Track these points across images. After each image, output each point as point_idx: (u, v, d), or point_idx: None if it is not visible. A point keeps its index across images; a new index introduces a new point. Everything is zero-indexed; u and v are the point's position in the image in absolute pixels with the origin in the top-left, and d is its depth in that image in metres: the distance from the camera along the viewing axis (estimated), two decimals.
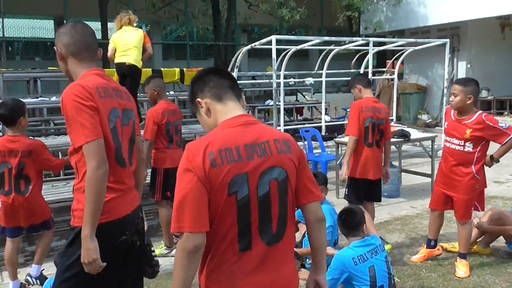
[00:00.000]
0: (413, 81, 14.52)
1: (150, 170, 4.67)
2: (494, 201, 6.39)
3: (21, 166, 3.70)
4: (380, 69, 12.43)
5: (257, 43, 7.94)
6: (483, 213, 4.60)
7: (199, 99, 1.85)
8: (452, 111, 4.12)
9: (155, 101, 4.73)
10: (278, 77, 7.99)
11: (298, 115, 12.97)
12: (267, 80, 10.80)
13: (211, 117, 1.84)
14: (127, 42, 6.22)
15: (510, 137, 3.88)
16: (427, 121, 13.74)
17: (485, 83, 13.90)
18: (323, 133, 9.48)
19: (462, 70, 14.00)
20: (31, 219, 3.84)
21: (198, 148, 1.70)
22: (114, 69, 6.59)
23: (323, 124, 9.32)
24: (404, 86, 14.06)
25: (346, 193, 4.65)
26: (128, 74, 6.29)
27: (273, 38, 6.97)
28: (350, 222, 3.32)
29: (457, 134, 4.03)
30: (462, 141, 4.00)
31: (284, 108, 11.70)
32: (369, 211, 4.44)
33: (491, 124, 3.90)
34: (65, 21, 21.54)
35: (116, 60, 6.25)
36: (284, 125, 8.92)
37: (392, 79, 10.65)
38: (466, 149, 3.99)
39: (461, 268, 4.09)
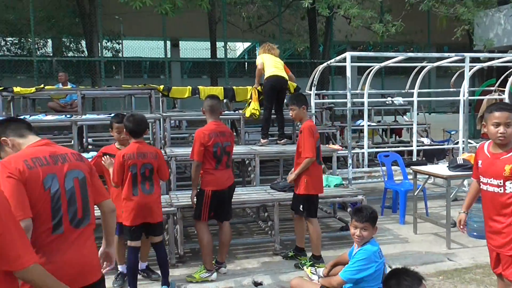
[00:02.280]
0: None
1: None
2: None
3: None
4: (489, 88, 10.99)
5: (332, 60, 7.46)
6: None
7: (4, 138, 2.33)
8: (487, 144, 3.26)
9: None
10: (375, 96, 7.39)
11: (397, 136, 12.04)
12: (361, 100, 10.19)
13: (16, 150, 2.32)
14: (278, 62, 6.63)
15: None
16: None
17: None
18: (418, 158, 8.58)
19: None
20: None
21: (11, 160, 2.20)
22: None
23: (414, 148, 8.41)
24: None
25: (304, 209, 4.79)
26: (283, 88, 6.62)
27: (348, 54, 6.48)
28: None
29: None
30: (502, 181, 3.06)
31: (382, 129, 11.02)
32: None
33: None
34: (179, 42, 23.20)
35: (273, 73, 6.47)
36: (369, 147, 8.23)
37: (501, 99, 9.31)
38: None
39: None
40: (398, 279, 2.59)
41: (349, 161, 7.01)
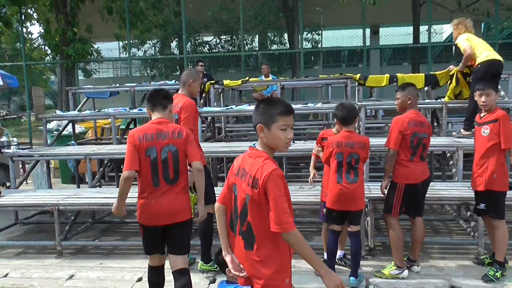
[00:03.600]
0: None
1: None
2: None
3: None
4: None
5: None
6: None
7: (148, 109, 3.62)
8: None
9: (404, 109, 4.41)
10: None
11: None
12: None
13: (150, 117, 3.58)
14: (486, 43, 6.06)
15: None
16: None
17: None
18: None
19: None
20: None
21: (134, 132, 3.40)
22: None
23: None
24: None
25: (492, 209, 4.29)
26: (499, 73, 5.94)
27: None
28: None
29: None
30: None
31: None
32: None
33: None
34: (379, 29, 22.57)
35: (490, 57, 5.83)
36: None
37: None
38: None
39: None
40: None
41: None
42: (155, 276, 3.56)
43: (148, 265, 3.59)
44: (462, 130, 6.05)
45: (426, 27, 14.78)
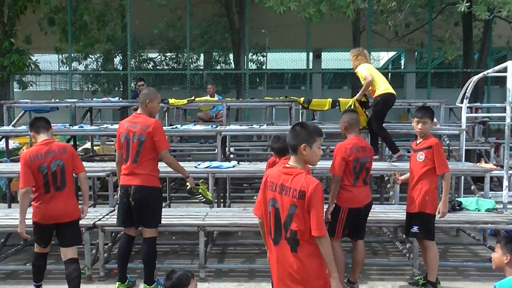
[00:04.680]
0: None
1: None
2: None
3: None
4: None
5: (490, 70, 6.72)
6: None
7: (32, 133, 4.31)
8: None
9: (345, 136, 4.55)
10: None
11: None
12: None
13: (35, 141, 4.29)
14: (383, 76, 6.51)
15: None
16: None
17: None
18: None
19: None
20: None
21: (25, 154, 4.14)
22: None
23: None
24: None
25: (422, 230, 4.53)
26: (392, 105, 6.50)
27: (509, 64, 5.78)
28: None
29: None
30: None
31: None
32: None
33: None
34: (321, 53, 23.32)
35: (389, 90, 6.34)
36: None
37: None
38: None
39: None
40: None
41: (505, 183, 6.24)
42: (40, 260, 4.33)
43: (35, 252, 4.31)
44: (393, 155, 6.40)
45: None
